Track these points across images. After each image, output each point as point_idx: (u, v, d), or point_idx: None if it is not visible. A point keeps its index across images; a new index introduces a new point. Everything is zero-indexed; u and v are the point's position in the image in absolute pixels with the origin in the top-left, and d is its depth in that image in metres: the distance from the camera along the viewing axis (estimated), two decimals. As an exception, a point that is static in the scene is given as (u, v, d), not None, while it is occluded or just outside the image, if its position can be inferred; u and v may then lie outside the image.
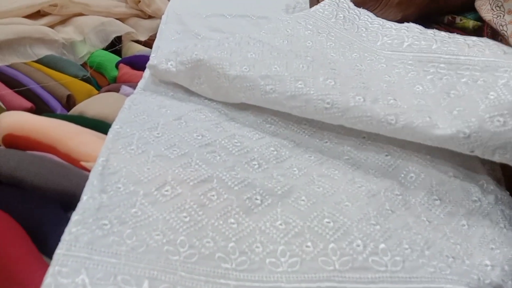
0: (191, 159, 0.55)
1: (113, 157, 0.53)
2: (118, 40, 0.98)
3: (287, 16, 0.97)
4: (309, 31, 0.73)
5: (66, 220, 0.44)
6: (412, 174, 0.56)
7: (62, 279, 0.39)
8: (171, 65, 0.69)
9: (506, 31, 0.72)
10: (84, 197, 0.47)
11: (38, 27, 0.90)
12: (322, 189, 0.54)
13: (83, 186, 0.49)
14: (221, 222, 0.48)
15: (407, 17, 0.84)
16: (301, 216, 0.50)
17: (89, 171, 0.52)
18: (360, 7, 0.83)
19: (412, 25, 0.75)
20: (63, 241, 0.42)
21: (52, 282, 0.38)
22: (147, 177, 0.51)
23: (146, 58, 0.81)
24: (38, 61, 0.84)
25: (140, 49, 0.95)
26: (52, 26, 0.95)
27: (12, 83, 0.76)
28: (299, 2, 1.04)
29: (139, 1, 1.07)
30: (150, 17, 1.09)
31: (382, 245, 0.47)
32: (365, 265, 0.45)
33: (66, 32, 0.94)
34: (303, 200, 0.52)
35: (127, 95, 0.70)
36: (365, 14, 0.81)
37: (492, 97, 0.53)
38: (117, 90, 0.77)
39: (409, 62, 0.65)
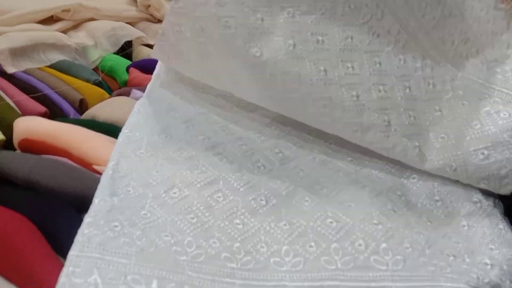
0: (198, 161, 0.57)
1: (123, 160, 0.55)
2: (128, 44, 1.00)
3: None
4: None
5: (79, 222, 0.46)
6: (414, 175, 0.58)
7: (75, 279, 0.41)
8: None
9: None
10: (95, 200, 0.49)
11: (51, 33, 0.93)
12: (326, 190, 0.55)
13: (96, 189, 0.50)
14: (227, 223, 0.50)
15: None
16: (304, 217, 0.51)
17: (101, 174, 0.54)
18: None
19: None
20: (76, 243, 0.43)
21: (66, 282, 0.40)
22: (156, 180, 0.53)
23: (156, 62, 0.83)
24: (51, 66, 0.87)
25: (150, 53, 0.96)
26: (64, 32, 0.97)
27: (27, 88, 0.79)
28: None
29: (149, 6, 1.09)
30: (159, 21, 1.11)
31: (383, 245, 0.48)
32: (367, 264, 0.46)
33: (78, 37, 0.97)
34: (306, 201, 0.53)
35: (137, 98, 0.72)
36: None
37: (476, 127, 0.56)
38: (128, 93, 0.79)
39: None
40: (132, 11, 1.09)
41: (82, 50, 0.94)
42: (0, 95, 0.75)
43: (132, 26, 1.04)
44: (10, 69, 0.82)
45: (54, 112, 0.75)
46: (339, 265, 0.46)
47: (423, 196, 0.55)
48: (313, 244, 0.48)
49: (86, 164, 0.56)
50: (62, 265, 0.42)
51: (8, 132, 0.66)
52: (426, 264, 0.47)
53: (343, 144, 0.62)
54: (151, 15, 1.10)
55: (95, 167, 0.56)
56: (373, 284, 0.45)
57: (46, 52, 0.88)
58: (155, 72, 0.76)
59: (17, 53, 0.84)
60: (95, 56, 0.94)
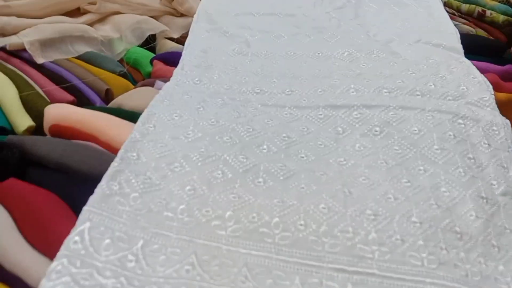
0: (203, 142, 0.59)
1: (135, 131, 0.60)
2: (152, 38, 1.02)
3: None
4: None
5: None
6: (420, 167, 0.58)
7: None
8: None
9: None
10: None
11: (78, 26, 0.95)
12: (325, 177, 0.56)
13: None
14: (222, 196, 0.52)
15: None
16: (299, 198, 0.53)
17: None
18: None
19: None
20: None
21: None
22: (159, 153, 0.56)
23: (178, 55, 0.85)
24: (79, 57, 0.90)
25: (173, 46, 0.99)
26: (91, 24, 1.00)
27: (56, 78, 0.82)
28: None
29: (172, 0, 1.11)
30: (182, 15, 1.12)
31: (373, 235, 0.49)
32: (353, 250, 0.48)
33: (104, 30, 0.99)
34: (302, 188, 0.55)
35: (161, 89, 0.74)
36: None
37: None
38: (152, 84, 0.81)
39: None
40: (156, 5, 1.11)
41: (107, 43, 0.96)
42: (30, 84, 0.78)
43: (156, 20, 1.06)
44: (39, 60, 0.85)
45: (81, 101, 0.78)
46: (326, 247, 0.48)
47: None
48: (303, 223, 0.50)
49: (112, 149, 0.59)
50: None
51: (38, 119, 0.69)
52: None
53: (352, 132, 0.64)
54: (174, 9, 1.12)
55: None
56: (360, 269, 0.46)
57: (73, 43, 0.91)
58: (179, 64, 0.79)
59: (46, 44, 0.87)
60: (120, 48, 0.96)
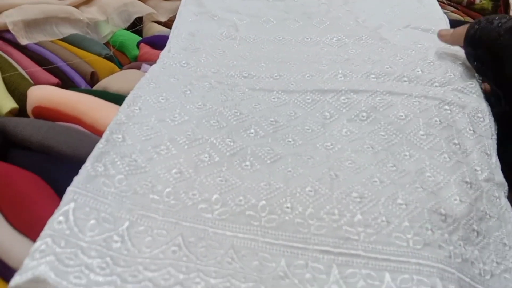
0: (189, 126, 0.59)
1: (120, 113, 0.59)
2: (139, 21, 1.01)
3: None
4: None
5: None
6: (406, 152, 0.59)
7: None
8: None
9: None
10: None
11: (64, 7, 0.93)
12: (312, 161, 0.56)
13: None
14: (209, 179, 0.52)
15: None
16: (285, 181, 0.53)
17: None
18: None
19: None
20: None
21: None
22: (145, 136, 0.56)
23: (165, 38, 0.84)
24: (64, 40, 0.88)
25: (160, 30, 0.98)
26: (77, 6, 0.98)
27: (40, 60, 0.80)
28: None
29: (160, -17, 1.10)
30: (170, -2, 1.11)
31: (358, 216, 0.49)
32: (339, 231, 0.48)
33: (90, 12, 0.97)
34: (289, 171, 0.55)
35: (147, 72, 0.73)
36: None
37: None
38: (138, 68, 0.80)
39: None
40: (143, -12, 1.10)
41: (93, 25, 0.95)
42: (14, 66, 0.76)
43: (143, 2, 1.05)
44: (23, 41, 0.83)
45: (66, 84, 0.76)
46: (312, 229, 0.48)
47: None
48: (289, 205, 0.50)
49: (97, 131, 0.58)
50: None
51: (21, 101, 0.68)
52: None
53: (339, 118, 0.64)
54: (161, -8, 1.11)
55: (106, 134, 0.58)
56: (345, 250, 0.47)
57: (58, 25, 0.89)
58: (165, 47, 0.78)
59: (30, 25, 0.86)
60: (106, 31, 0.95)
